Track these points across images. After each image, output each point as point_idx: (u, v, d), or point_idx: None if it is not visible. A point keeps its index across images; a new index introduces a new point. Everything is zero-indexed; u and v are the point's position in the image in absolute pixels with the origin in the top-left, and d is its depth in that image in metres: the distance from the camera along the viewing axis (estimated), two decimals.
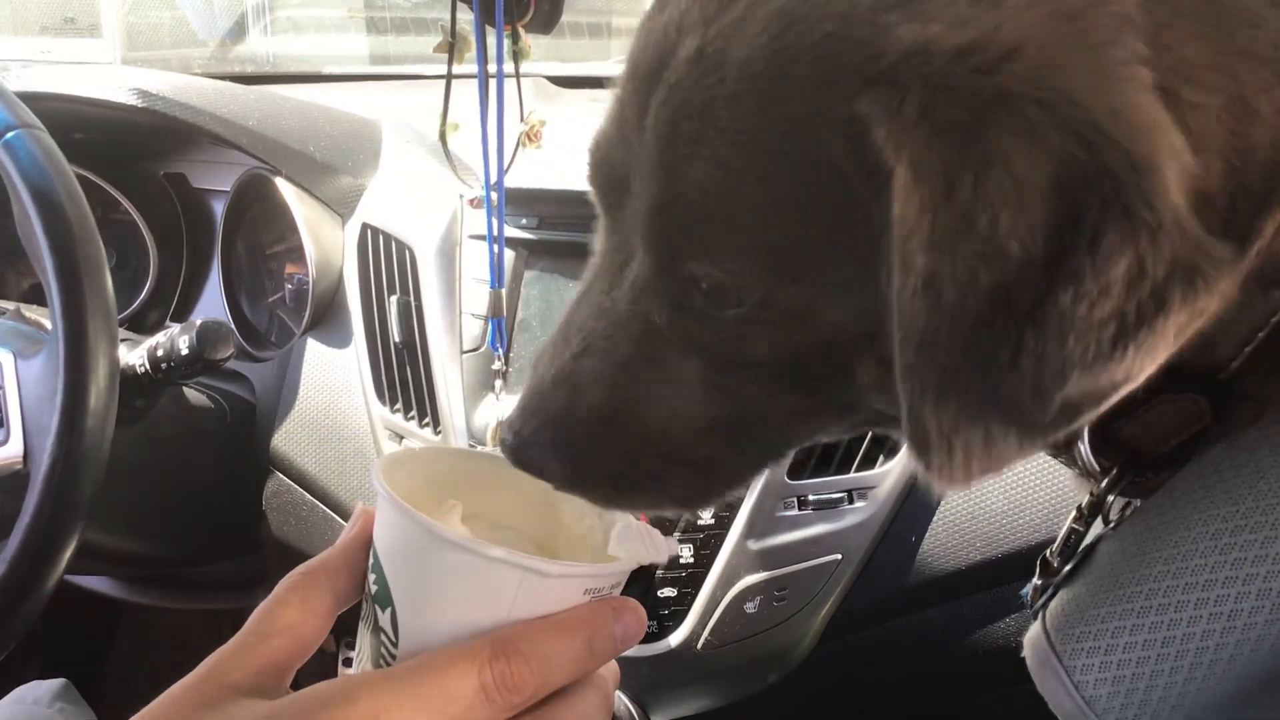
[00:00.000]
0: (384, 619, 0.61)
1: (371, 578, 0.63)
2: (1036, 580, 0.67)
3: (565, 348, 0.64)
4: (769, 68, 0.52)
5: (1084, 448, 0.62)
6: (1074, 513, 0.66)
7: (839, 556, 1.35)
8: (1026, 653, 0.61)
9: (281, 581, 0.64)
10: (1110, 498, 0.63)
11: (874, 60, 0.50)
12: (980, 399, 0.47)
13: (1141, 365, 0.46)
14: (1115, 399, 0.47)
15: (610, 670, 0.64)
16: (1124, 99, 0.48)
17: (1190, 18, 0.51)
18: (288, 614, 0.61)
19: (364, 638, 0.64)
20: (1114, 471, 0.63)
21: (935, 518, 1.38)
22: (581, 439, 0.63)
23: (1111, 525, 0.64)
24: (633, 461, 0.63)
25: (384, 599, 0.61)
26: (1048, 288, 0.46)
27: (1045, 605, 0.62)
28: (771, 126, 0.53)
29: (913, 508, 1.37)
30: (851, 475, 1.34)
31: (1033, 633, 0.61)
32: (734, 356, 0.59)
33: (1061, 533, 0.66)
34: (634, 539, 0.65)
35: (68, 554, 1.11)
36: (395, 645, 0.60)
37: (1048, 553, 0.67)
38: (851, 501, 1.35)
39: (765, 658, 1.42)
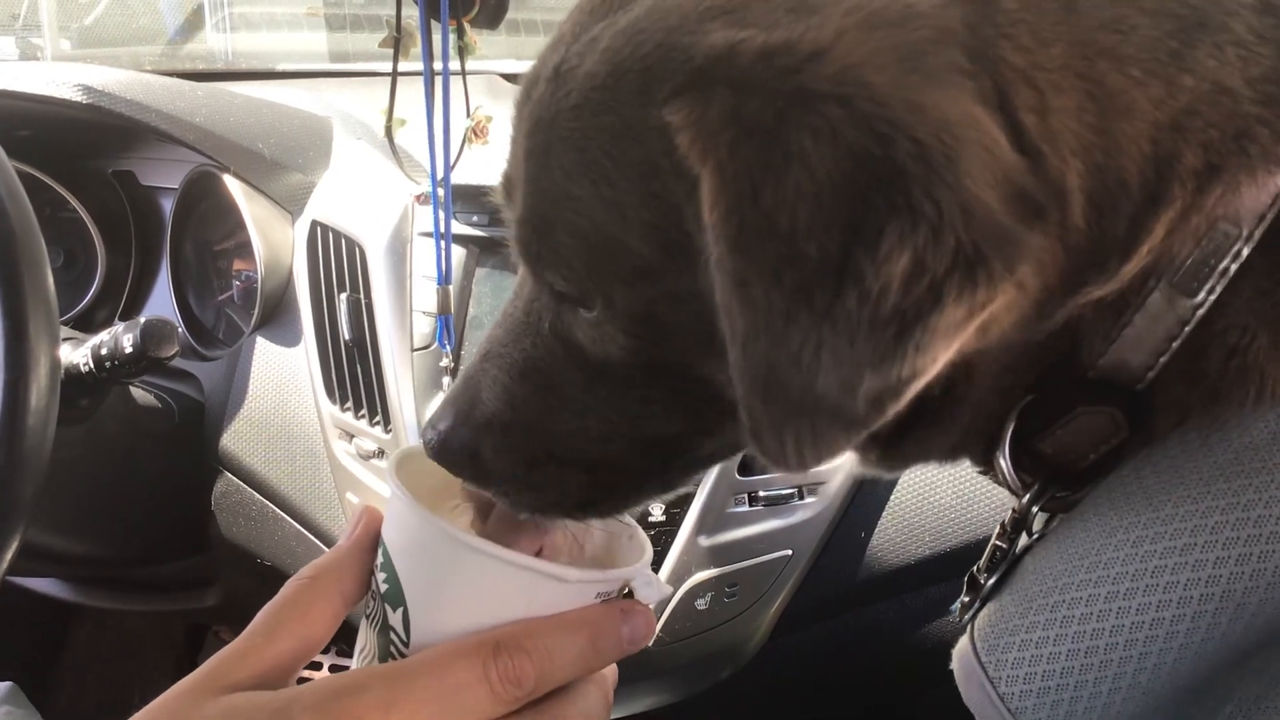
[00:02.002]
0: (394, 618, 0.61)
1: (381, 576, 0.63)
2: (964, 597, 0.66)
3: (479, 350, 0.67)
4: (606, 79, 0.55)
5: (1005, 463, 0.62)
6: (998, 528, 0.66)
7: (790, 552, 1.36)
8: (954, 665, 0.60)
9: (287, 583, 0.64)
10: (1034, 510, 0.63)
11: (684, 64, 0.52)
12: (800, 394, 0.48)
13: (923, 364, 0.47)
14: (911, 393, 0.48)
15: (610, 671, 0.65)
16: (929, 95, 0.48)
17: (1031, 28, 0.52)
18: (294, 617, 0.62)
19: (368, 636, 0.64)
20: (1035, 487, 0.63)
21: (885, 513, 1.39)
22: (479, 441, 0.65)
23: (1036, 536, 0.64)
24: (528, 465, 0.65)
25: (395, 598, 0.61)
26: (839, 288, 0.47)
27: (974, 619, 0.61)
28: (602, 133, 0.55)
29: (862, 503, 1.37)
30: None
31: (961, 645, 0.60)
32: (602, 361, 0.61)
33: (987, 549, 0.66)
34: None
35: (9, 555, 1.10)
36: (406, 644, 0.61)
37: (975, 569, 0.66)
38: (802, 497, 1.36)
39: (717, 653, 1.42)
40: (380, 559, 0.64)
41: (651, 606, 0.65)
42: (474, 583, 0.60)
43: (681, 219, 0.53)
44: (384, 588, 0.63)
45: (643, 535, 0.70)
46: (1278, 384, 0.54)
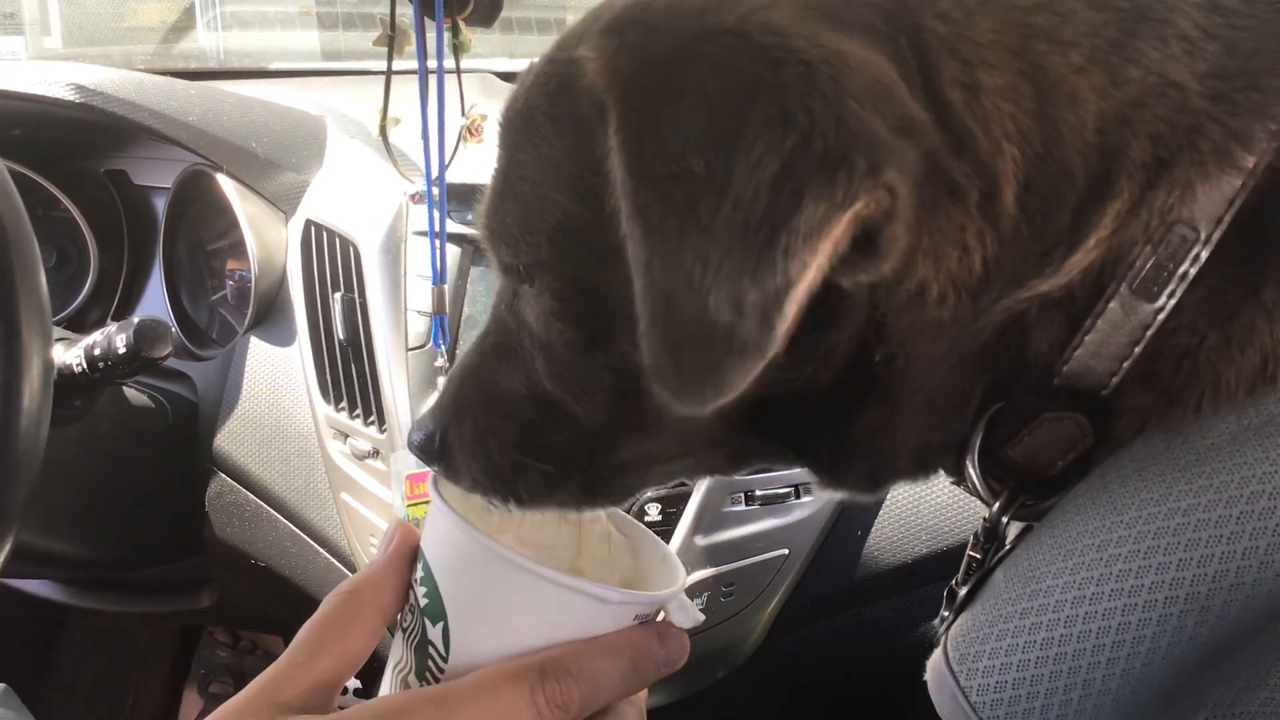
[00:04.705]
0: (434, 633, 0.62)
1: (421, 591, 0.63)
2: (944, 611, 0.66)
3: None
4: (557, 51, 0.59)
5: (973, 471, 0.61)
6: (971, 539, 0.66)
7: (786, 551, 1.36)
8: (928, 676, 0.60)
9: (326, 600, 0.64)
10: (1005, 520, 0.63)
11: (607, 15, 0.56)
12: (696, 321, 0.49)
13: (794, 270, 0.47)
14: (792, 305, 0.47)
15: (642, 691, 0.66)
16: (830, 36, 0.50)
17: (960, 3, 0.53)
18: (335, 634, 0.62)
19: (404, 650, 0.64)
20: (1005, 495, 0.62)
21: (881, 512, 1.39)
22: (447, 422, 0.68)
23: (1009, 548, 0.63)
24: (476, 430, 0.67)
25: (436, 613, 0.61)
26: (720, 201, 0.47)
27: (947, 630, 0.61)
28: (545, 97, 0.58)
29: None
30: (798, 470, 1.34)
31: (934, 656, 0.60)
32: (545, 340, 0.63)
33: (963, 562, 0.66)
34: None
35: (2, 557, 1.09)
36: (445, 659, 0.61)
37: (954, 583, 0.66)
38: (798, 496, 1.35)
39: (714, 653, 1.42)
40: (420, 573, 0.63)
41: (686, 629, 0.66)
42: (518, 600, 0.60)
43: (598, 163, 0.54)
44: (424, 602, 0.63)
45: (676, 560, 0.70)
46: (1230, 384, 0.54)
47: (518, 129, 0.60)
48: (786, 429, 0.63)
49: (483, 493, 0.68)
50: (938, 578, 1.40)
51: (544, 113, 0.58)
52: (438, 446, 0.68)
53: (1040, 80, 0.53)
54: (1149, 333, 0.55)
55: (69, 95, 1.53)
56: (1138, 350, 0.55)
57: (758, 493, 1.34)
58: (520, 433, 0.66)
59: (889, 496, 1.38)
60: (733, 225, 0.47)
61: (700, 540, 1.33)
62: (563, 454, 0.66)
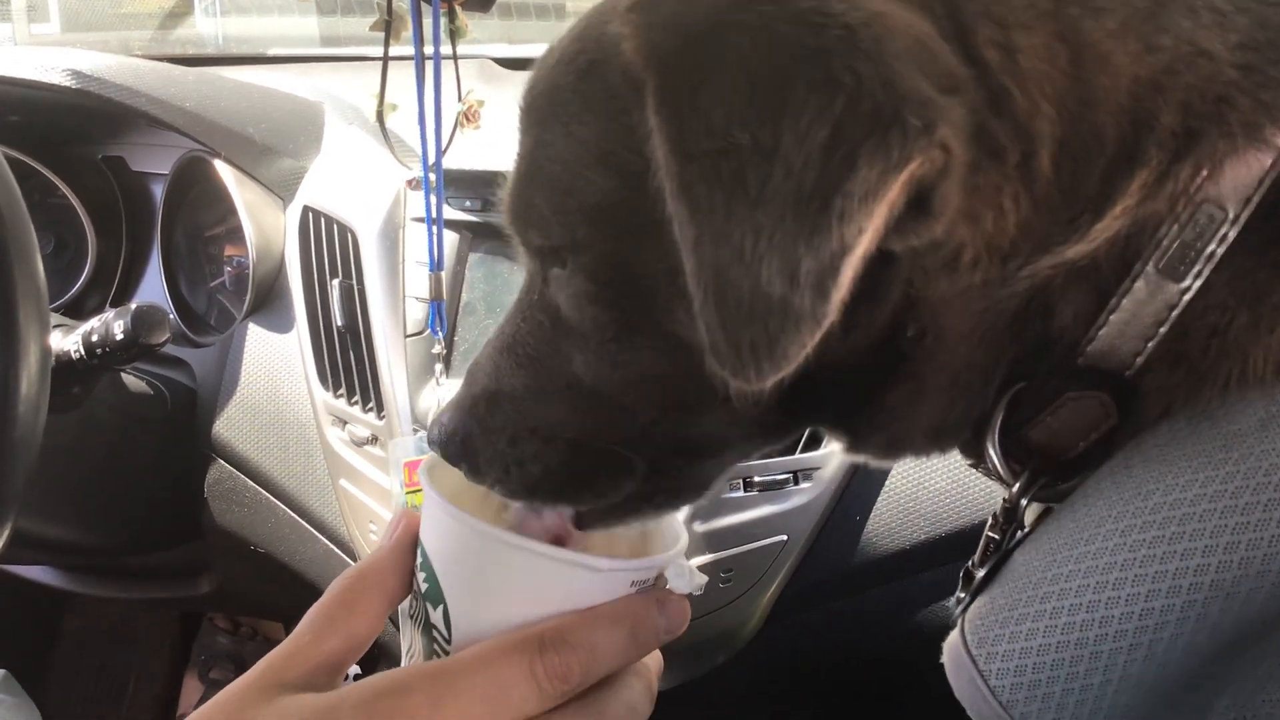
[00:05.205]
0: (435, 616, 0.62)
1: (421, 576, 0.64)
2: (960, 593, 0.65)
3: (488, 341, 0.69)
4: (583, 30, 0.59)
5: (994, 451, 0.61)
6: (990, 520, 0.66)
7: (784, 537, 1.35)
8: (945, 658, 0.59)
9: (333, 584, 0.65)
10: (1024, 503, 0.62)
11: None
12: (750, 295, 0.48)
13: (850, 234, 0.46)
14: (848, 270, 0.47)
15: (654, 660, 0.66)
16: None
17: None
18: (341, 616, 0.63)
19: (413, 635, 0.65)
20: (1025, 476, 0.62)
21: (880, 498, 1.39)
22: (471, 425, 0.67)
23: (1028, 530, 0.63)
24: (512, 441, 0.65)
25: (435, 597, 0.62)
26: (770, 171, 0.47)
27: (964, 613, 0.60)
28: (572, 74, 0.58)
29: (857, 488, 1.37)
30: (797, 456, 1.34)
31: (951, 638, 0.59)
32: (580, 326, 0.62)
33: (981, 542, 0.66)
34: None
35: (1, 543, 1.09)
36: (448, 641, 0.62)
37: (970, 563, 0.66)
38: (797, 483, 1.35)
39: (712, 639, 1.42)
40: (419, 559, 0.64)
41: (686, 594, 0.65)
42: (509, 577, 0.61)
43: (636, 141, 0.53)
44: (424, 587, 0.63)
45: (678, 524, 0.70)
46: (1259, 363, 0.54)
47: (542, 110, 0.59)
48: (822, 402, 0.63)
49: (543, 499, 0.67)
50: (936, 564, 1.40)
51: (573, 91, 0.57)
52: (460, 446, 0.67)
53: (1075, 42, 0.53)
54: (1175, 313, 0.54)
55: (66, 81, 1.52)
56: (1163, 330, 0.55)
57: (756, 479, 1.34)
58: (558, 432, 0.65)
59: (887, 482, 1.38)
60: (784, 194, 0.47)
61: (699, 526, 1.33)
62: (605, 453, 0.65)
